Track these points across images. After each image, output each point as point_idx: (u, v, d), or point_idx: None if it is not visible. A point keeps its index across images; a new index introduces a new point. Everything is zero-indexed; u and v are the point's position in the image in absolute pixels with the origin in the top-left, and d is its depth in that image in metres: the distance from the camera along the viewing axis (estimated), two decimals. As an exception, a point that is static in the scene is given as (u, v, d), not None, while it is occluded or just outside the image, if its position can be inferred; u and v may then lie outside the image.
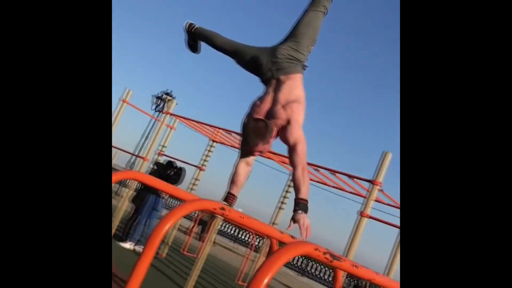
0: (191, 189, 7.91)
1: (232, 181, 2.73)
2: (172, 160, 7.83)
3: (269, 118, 2.58)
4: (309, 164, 5.74)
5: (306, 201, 2.41)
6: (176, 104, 8.04)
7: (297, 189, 2.42)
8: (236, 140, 7.01)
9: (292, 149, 2.50)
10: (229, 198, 2.70)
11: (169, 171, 7.56)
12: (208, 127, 7.31)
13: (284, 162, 6.62)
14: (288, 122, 2.54)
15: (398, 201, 5.46)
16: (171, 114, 7.65)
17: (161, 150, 8.18)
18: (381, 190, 4.91)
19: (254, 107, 2.71)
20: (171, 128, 8.06)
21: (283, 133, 2.57)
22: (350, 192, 5.91)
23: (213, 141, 7.91)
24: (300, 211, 2.36)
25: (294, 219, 2.37)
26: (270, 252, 2.80)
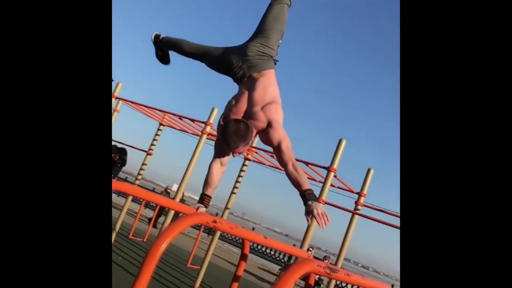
0: (139, 173, 7.71)
1: (206, 182, 2.70)
2: (113, 143, 7.58)
3: (247, 119, 2.56)
4: (265, 150, 5.79)
5: (311, 190, 2.42)
6: (121, 86, 7.69)
7: (297, 184, 2.43)
8: (187, 124, 6.90)
9: (277, 149, 2.52)
10: (205, 199, 2.67)
11: (113, 156, 7.31)
12: (156, 111, 7.13)
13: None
14: (269, 124, 2.55)
15: (352, 187, 5.69)
16: (116, 98, 7.34)
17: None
18: (335, 176, 5.07)
19: (230, 107, 2.67)
20: (114, 110, 7.73)
21: (264, 135, 2.58)
22: (310, 179, 6.06)
23: (161, 124, 7.72)
24: (310, 202, 2.35)
25: (308, 212, 2.35)
26: (243, 257, 2.82)
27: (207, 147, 5.95)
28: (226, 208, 6.77)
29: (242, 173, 6.86)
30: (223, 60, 2.78)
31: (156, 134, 7.76)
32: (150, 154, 7.66)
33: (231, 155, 2.66)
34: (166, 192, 15.21)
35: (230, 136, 2.46)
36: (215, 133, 6.17)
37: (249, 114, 2.59)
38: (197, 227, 11.64)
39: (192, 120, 6.40)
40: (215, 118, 6.08)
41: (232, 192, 6.74)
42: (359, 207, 5.71)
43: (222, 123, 2.61)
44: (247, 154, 6.78)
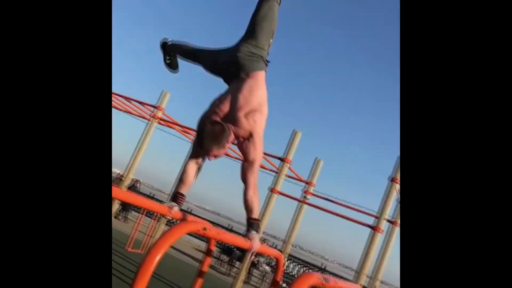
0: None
1: (181, 180, 2.63)
2: None
3: (229, 122, 2.48)
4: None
5: (258, 220, 2.43)
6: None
7: (249, 209, 2.40)
8: (135, 107, 6.65)
9: (249, 165, 2.45)
10: (178, 198, 2.61)
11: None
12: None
13: (186, 132, 6.51)
14: (251, 135, 2.47)
15: (303, 177, 5.82)
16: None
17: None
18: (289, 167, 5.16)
19: (213, 107, 2.60)
20: None
21: (244, 145, 2.50)
22: (262, 167, 6.11)
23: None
24: (253, 231, 2.37)
25: (247, 238, 2.37)
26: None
27: (159, 133, 5.79)
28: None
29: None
30: (215, 62, 2.73)
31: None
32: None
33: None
34: (120, 180, 13.76)
35: (204, 137, 2.39)
36: (167, 118, 6.02)
37: (232, 118, 2.50)
38: (138, 209, 11.36)
39: (141, 103, 6.18)
40: (166, 103, 5.91)
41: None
42: (308, 196, 5.88)
43: (202, 123, 2.53)
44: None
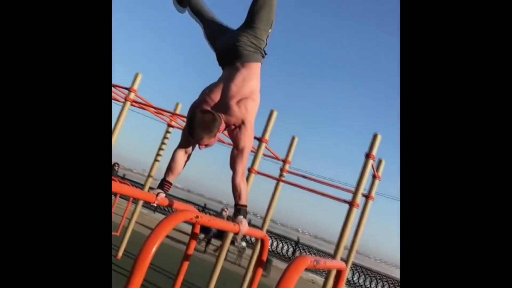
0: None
1: (169, 168, 2.62)
2: None
3: (220, 111, 2.47)
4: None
5: (246, 206, 2.46)
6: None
7: (237, 195, 2.43)
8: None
9: (239, 152, 2.46)
10: (165, 185, 2.61)
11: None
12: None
13: (159, 113, 6.44)
14: (243, 122, 2.47)
15: (279, 156, 5.88)
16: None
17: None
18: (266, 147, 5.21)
19: (203, 96, 2.58)
20: None
21: (234, 132, 2.50)
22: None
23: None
24: (241, 216, 2.40)
25: (236, 222, 2.40)
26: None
27: (132, 115, 5.70)
28: (149, 176, 6.64)
29: (166, 141, 6.72)
30: (214, 39, 2.71)
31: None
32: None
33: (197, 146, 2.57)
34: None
35: (194, 127, 2.38)
36: (141, 101, 5.93)
37: (223, 106, 2.49)
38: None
39: (114, 86, 6.05)
40: (139, 84, 5.81)
41: (156, 160, 6.60)
42: (284, 173, 5.97)
43: (192, 112, 2.50)
44: (171, 120, 6.64)
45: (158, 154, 6.61)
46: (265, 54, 2.71)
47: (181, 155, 2.64)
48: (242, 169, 2.45)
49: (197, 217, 1.93)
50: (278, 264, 12.35)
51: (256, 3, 2.68)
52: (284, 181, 5.90)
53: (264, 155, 5.99)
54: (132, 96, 5.85)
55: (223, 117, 2.46)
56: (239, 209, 2.43)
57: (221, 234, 11.04)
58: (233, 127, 2.50)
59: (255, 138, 5.14)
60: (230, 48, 2.61)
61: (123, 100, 5.91)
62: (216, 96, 2.53)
